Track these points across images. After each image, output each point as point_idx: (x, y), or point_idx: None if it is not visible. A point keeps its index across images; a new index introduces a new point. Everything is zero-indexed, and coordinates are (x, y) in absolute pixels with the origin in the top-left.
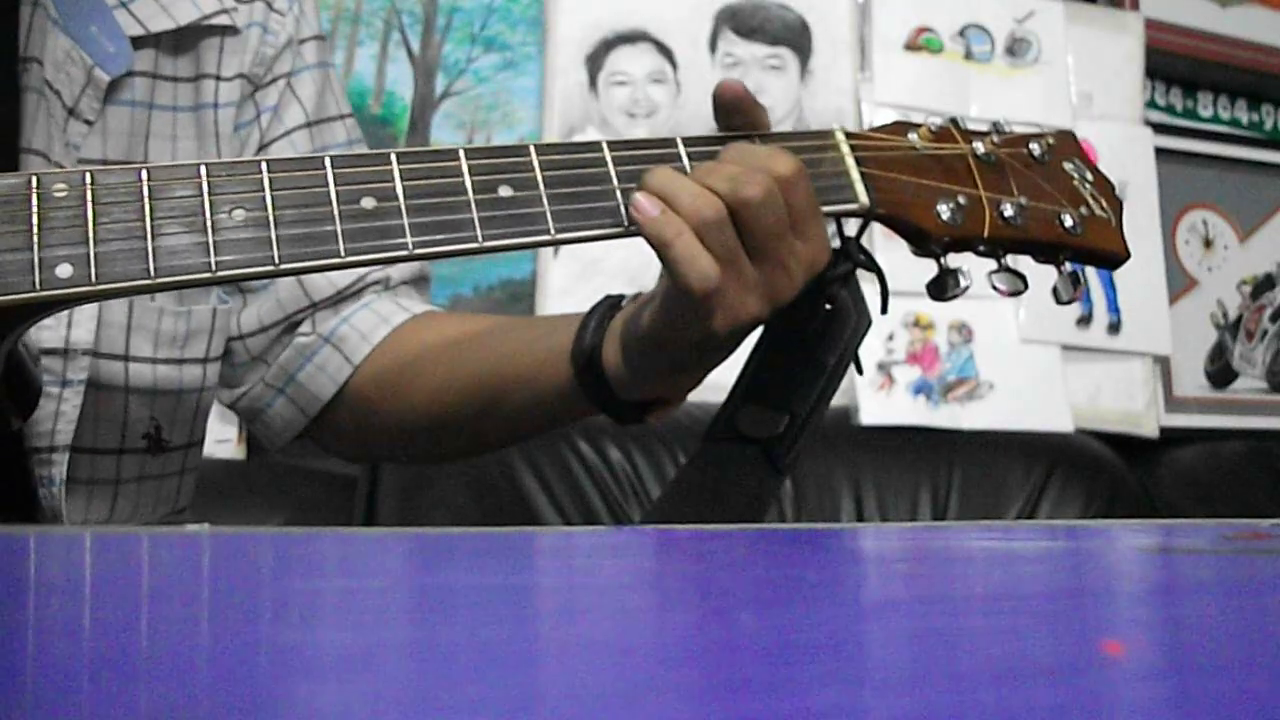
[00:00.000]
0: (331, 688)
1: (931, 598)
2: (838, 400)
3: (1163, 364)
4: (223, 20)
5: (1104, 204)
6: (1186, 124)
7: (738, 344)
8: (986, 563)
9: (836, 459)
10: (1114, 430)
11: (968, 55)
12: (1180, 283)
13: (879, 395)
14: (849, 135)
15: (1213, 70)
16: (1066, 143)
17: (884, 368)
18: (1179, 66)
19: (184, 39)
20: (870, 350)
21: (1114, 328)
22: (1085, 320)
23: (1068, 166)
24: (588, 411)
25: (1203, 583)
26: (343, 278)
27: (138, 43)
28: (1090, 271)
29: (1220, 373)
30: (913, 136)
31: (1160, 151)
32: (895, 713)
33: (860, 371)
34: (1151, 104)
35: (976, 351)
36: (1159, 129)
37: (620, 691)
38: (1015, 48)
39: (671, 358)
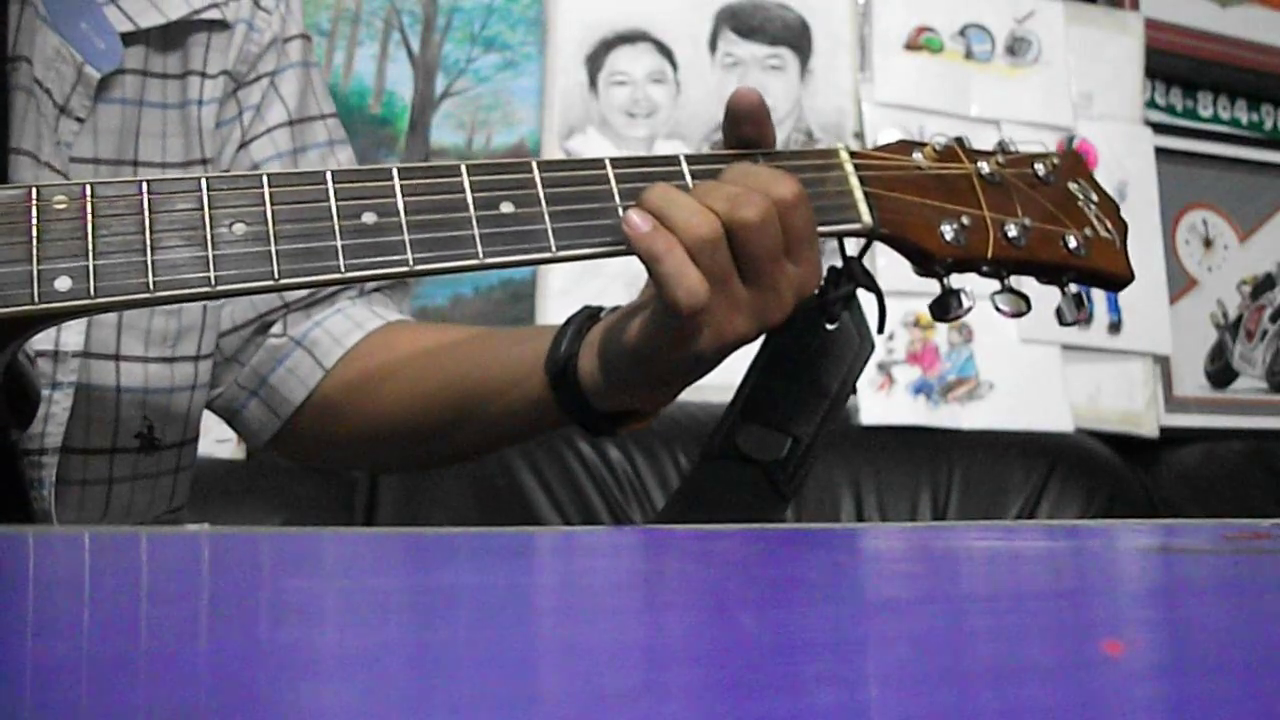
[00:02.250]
0: (331, 688)
1: (931, 598)
2: None
3: (1163, 364)
4: (212, 14)
5: (1109, 225)
6: (1186, 124)
7: (721, 361)
8: (986, 563)
9: (836, 459)
10: (1114, 430)
11: (968, 55)
12: (1180, 283)
13: (879, 395)
14: (853, 154)
15: (1213, 70)
16: (1072, 163)
17: (884, 368)
18: (1179, 66)
19: (173, 35)
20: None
21: (1114, 328)
22: (1085, 320)
23: (1073, 187)
24: (560, 422)
25: (1203, 583)
26: None
27: (128, 39)
28: None
29: (1220, 373)
30: (917, 156)
31: (1160, 151)
32: (895, 713)
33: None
34: (1151, 104)
35: (976, 351)
36: (1159, 129)
37: (620, 691)
38: (1015, 47)
39: (653, 372)
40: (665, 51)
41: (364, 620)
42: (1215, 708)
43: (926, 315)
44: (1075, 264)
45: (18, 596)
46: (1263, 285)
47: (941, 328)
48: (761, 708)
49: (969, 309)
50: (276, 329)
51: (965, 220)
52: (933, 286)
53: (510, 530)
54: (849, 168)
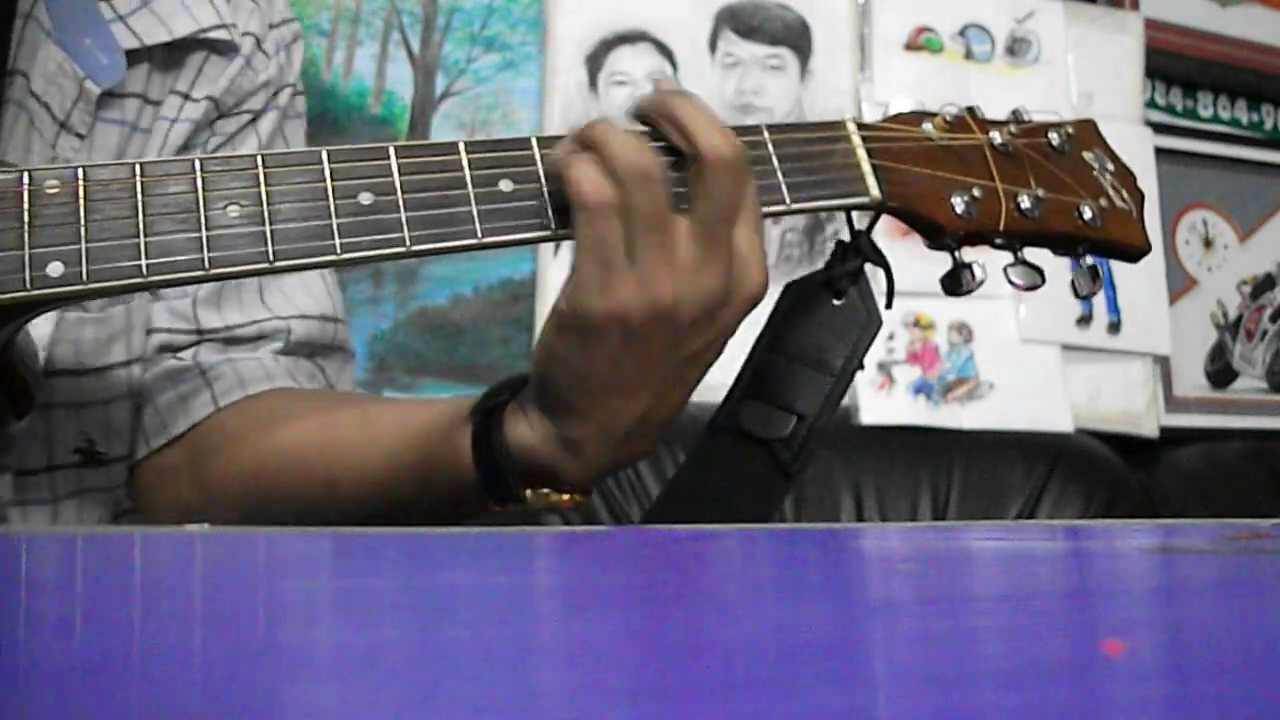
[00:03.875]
0: (331, 688)
1: (931, 598)
2: None
3: (1163, 364)
4: (219, 35)
5: (1125, 195)
6: (1186, 124)
7: (666, 377)
8: (986, 563)
9: (836, 459)
10: (1114, 430)
11: (968, 55)
12: (1180, 283)
13: (879, 395)
14: (861, 126)
15: (1213, 70)
16: (1087, 132)
17: (884, 368)
18: (1179, 66)
19: (176, 54)
20: (870, 350)
21: (1114, 328)
22: (1085, 320)
23: (1088, 156)
24: (466, 484)
25: (1203, 583)
26: (236, 317)
27: (133, 57)
28: None
29: (1220, 373)
30: (927, 126)
31: (1160, 151)
32: (896, 713)
33: (862, 367)
34: (1151, 104)
35: (976, 351)
36: (1159, 129)
37: (620, 691)
38: (1015, 47)
39: (561, 395)
40: (665, 51)
41: (364, 620)
42: (1215, 708)
43: (927, 315)
44: (1090, 235)
45: (16, 597)
46: (1263, 285)
47: (942, 327)
48: (761, 708)
49: (981, 282)
50: (185, 353)
51: (977, 192)
52: (932, 286)
53: (510, 530)
54: (856, 140)
